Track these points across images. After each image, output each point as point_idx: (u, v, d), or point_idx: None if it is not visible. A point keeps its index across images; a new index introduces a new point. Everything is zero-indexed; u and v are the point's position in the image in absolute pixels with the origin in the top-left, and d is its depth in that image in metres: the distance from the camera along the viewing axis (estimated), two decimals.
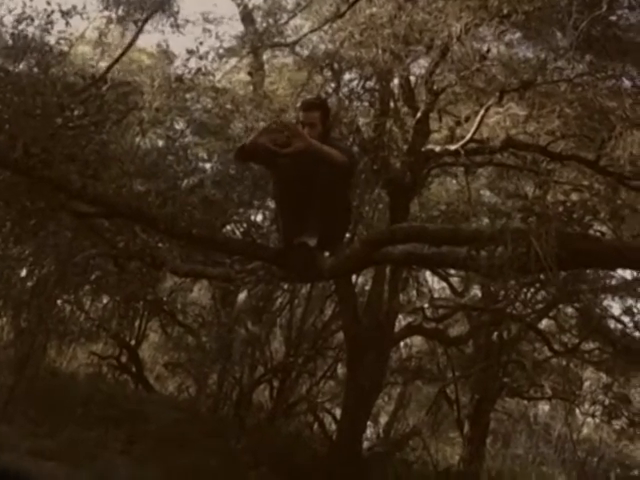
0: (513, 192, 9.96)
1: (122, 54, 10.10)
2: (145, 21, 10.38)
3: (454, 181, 11.93)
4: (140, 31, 10.52)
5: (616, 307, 14.42)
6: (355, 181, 8.29)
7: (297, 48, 9.86)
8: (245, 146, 4.31)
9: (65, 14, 8.76)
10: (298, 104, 4.47)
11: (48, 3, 8.61)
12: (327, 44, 9.41)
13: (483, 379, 11.98)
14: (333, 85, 9.93)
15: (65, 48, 8.92)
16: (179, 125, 10.70)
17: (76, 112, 5.68)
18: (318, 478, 9.28)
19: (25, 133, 4.41)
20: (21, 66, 7.99)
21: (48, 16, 8.61)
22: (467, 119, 9.18)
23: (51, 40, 8.63)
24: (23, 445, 7.41)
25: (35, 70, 7.67)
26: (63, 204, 4.95)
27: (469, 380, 12.37)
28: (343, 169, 4.20)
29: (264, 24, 10.21)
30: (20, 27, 8.51)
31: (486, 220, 10.51)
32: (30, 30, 8.63)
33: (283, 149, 4.05)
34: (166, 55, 11.39)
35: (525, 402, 14.38)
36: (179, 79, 9.84)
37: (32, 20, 8.61)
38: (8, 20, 8.67)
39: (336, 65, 9.54)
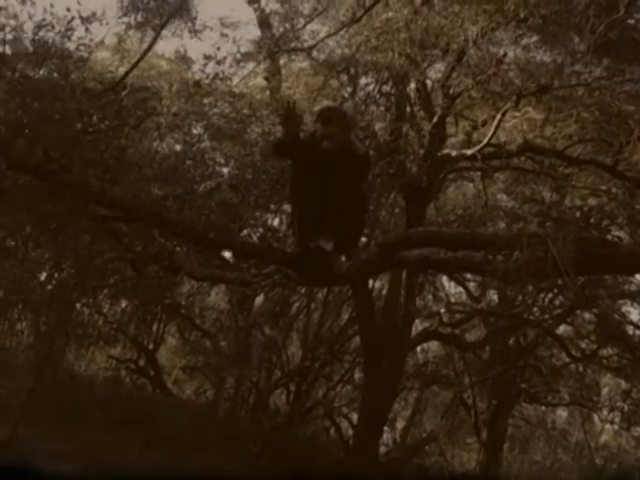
0: (530, 197, 9.91)
1: (140, 59, 10.15)
2: (163, 26, 10.42)
3: (471, 185, 11.89)
4: (158, 36, 10.57)
5: (635, 313, 14.30)
6: (370, 185, 8.30)
7: (314, 53, 9.89)
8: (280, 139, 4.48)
9: (85, 20, 8.82)
10: (315, 111, 4.50)
11: (68, 10, 8.68)
12: (343, 49, 9.44)
13: (500, 384, 11.92)
14: (349, 89, 9.97)
15: (85, 54, 8.97)
16: (196, 130, 10.73)
17: (95, 117, 5.73)
18: None
19: (45, 138, 4.46)
20: (41, 72, 8.06)
21: (68, 22, 8.68)
22: (484, 123, 9.16)
23: (71, 46, 8.68)
24: (41, 448, 7.47)
25: (55, 76, 7.74)
26: (82, 208, 5.00)
27: (486, 385, 12.31)
28: (356, 161, 4.22)
29: (281, 29, 10.26)
30: (40, 33, 8.59)
31: (503, 225, 10.50)
32: (50, 36, 8.70)
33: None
34: (184, 60, 11.46)
35: (543, 408, 14.29)
36: (197, 84, 9.90)
37: (52, 27, 8.67)
38: (29, 26, 8.75)
39: (352, 69, 9.57)
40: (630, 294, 11.33)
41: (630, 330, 11.15)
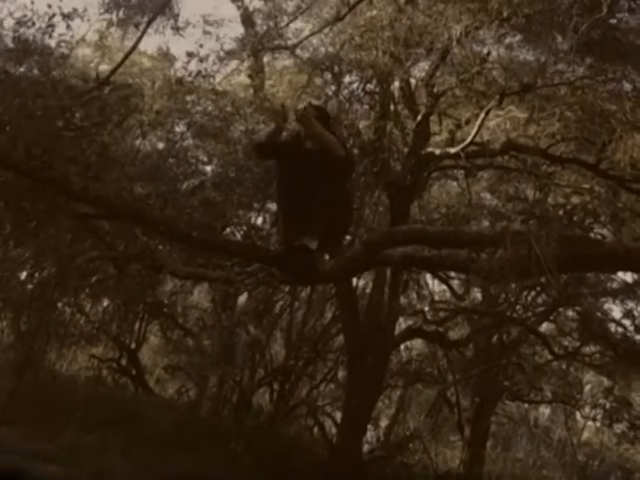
0: (513, 195, 9.95)
1: (125, 58, 10.07)
2: (148, 24, 10.35)
3: (454, 184, 11.92)
4: (143, 34, 10.50)
5: (617, 310, 14.40)
6: (354, 184, 8.29)
7: (297, 51, 9.87)
8: (260, 141, 4.46)
9: (66, 17, 8.74)
10: (297, 110, 4.47)
11: (49, 6, 8.60)
12: (327, 47, 9.42)
13: (483, 382, 11.97)
14: (333, 88, 9.95)
15: (66, 51, 8.89)
16: (179, 128, 10.68)
17: (77, 114, 5.68)
18: None
19: (26, 135, 4.41)
20: (22, 69, 7.98)
21: (49, 19, 8.60)
22: (467, 122, 9.18)
23: (52, 43, 8.61)
24: (23, 448, 7.40)
25: (36, 73, 7.67)
26: (64, 205, 4.95)
27: (469, 383, 12.36)
28: (339, 160, 4.20)
29: (265, 27, 10.22)
30: (21, 30, 8.50)
31: (487, 223, 10.53)
32: (31, 33, 8.62)
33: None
34: (166, 58, 11.39)
35: (526, 405, 14.37)
36: (179, 82, 9.84)
37: (33, 23, 8.59)
38: (9, 23, 8.66)
39: (336, 68, 9.55)
40: (612, 292, 11.40)
41: (612, 328, 11.24)
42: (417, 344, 13.91)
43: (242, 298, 11.43)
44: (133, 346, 13.00)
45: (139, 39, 10.42)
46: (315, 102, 4.87)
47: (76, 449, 7.75)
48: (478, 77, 8.46)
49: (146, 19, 10.24)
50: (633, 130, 7.77)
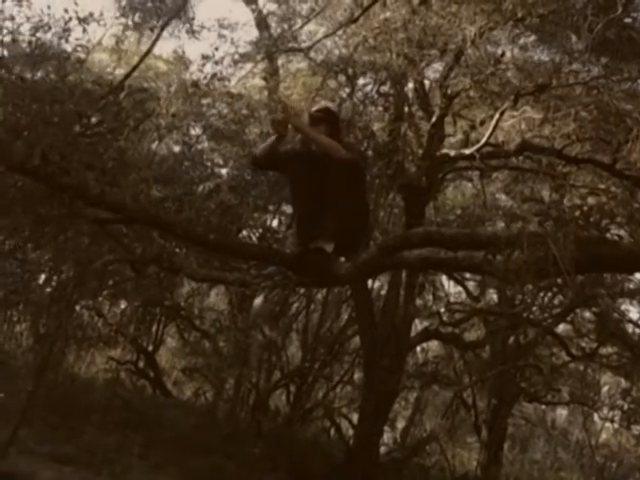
0: (529, 196, 9.90)
1: (140, 61, 10.16)
2: (162, 28, 10.42)
3: (469, 185, 11.91)
4: (158, 38, 10.58)
5: (634, 311, 14.32)
6: (368, 186, 8.30)
7: (311, 53, 9.89)
8: (256, 154, 4.48)
9: (82, 21, 8.81)
10: (308, 112, 4.49)
11: (65, 11, 8.68)
12: (341, 49, 9.44)
13: (500, 384, 11.93)
14: (347, 90, 9.96)
15: (82, 55, 8.95)
16: (195, 131, 10.75)
17: (94, 119, 5.72)
18: None
19: (43, 140, 4.44)
20: (39, 74, 8.06)
21: (65, 23, 8.68)
22: (482, 123, 9.16)
23: (68, 48, 8.68)
24: (42, 449, 7.47)
25: (53, 78, 7.73)
26: (81, 210, 4.98)
27: (486, 385, 12.32)
28: (345, 163, 4.19)
29: (279, 30, 10.28)
30: (38, 35, 8.58)
31: (502, 224, 10.49)
32: (47, 38, 8.71)
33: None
34: (182, 61, 11.45)
35: (543, 407, 14.30)
36: (195, 85, 9.89)
37: (49, 28, 8.68)
38: (26, 28, 8.74)
39: (350, 70, 9.56)
40: (630, 292, 11.34)
41: (630, 328, 11.15)
42: (433, 346, 13.90)
43: (258, 300, 11.46)
44: (151, 348, 13.08)
45: (154, 43, 10.51)
46: (323, 103, 4.87)
47: (94, 450, 7.81)
48: (492, 78, 8.44)
49: (161, 23, 10.32)
50: None
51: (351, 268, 4.39)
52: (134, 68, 9.74)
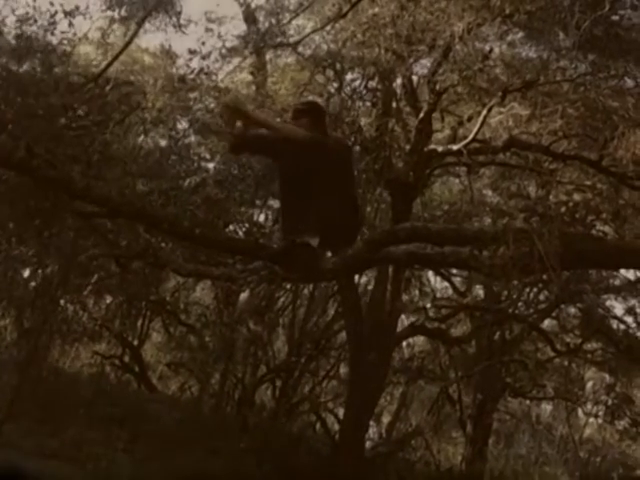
0: (516, 192, 9.94)
1: (121, 51, 10.12)
2: (144, 18, 10.37)
3: (457, 181, 11.92)
4: (140, 28, 10.53)
5: (619, 307, 14.39)
6: (357, 180, 8.29)
7: (299, 48, 9.87)
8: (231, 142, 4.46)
9: (68, 14, 8.75)
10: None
11: (51, 3, 8.62)
12: (329, 44, 9.42)
13: (486, 379, 11.98)
14: (335, 85, 9.94)
15: (68, 48, 8.90)
16: (182, 125, 10.71)
17: (79, 112, 5.69)
18: (321, 478, 9.28)
19: (28, 133, 4.42)
20: (24, 66, 8.00)
21: (51, 16, 8.62)
22: (470, 119, 9.18)
23: (54, 40, 8.63)
24: (27, 444, 7.43)
25: (38, 70, 7.68)
26: (66, 204, 4.95)
27: (472, 380, 12.37)
28: (308, 143, 4.16)
29: (267, 24, 10.24)
30: (23, 27, 8.52)
31: (489, 220, 10.53)
32: (33, 30, 8.64)
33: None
34: (169, 55, 11.40)
35: (528, 402, 14.38)
36: (182, 79, 9.85)
37: (35, 20, 8.61)
38: (11, 20, 8.67)
39: (338, 65, 9.55)
40: (614, 289, 11.40)
41: (614, 324, 11.24)
42: (419, 341, 13.94)
43: (244, 295, 11.45)
44: (136, 343, 13.03)
45: (136, 32, 10.46)
46: (310, 98, 4.85)
47: (79, 445, 7.78)
48: (480, 74, 8.45)
49: (143, 14, 10.28)
50: (635, 127, 7.75)
51: (337, 263, 4.39)
52: (115, 57, 9.69)
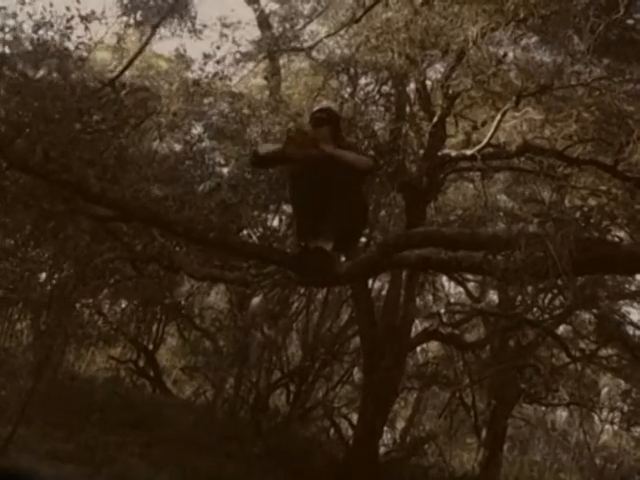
0: (530, 197, 9.90)
1: (136, 55, 10.18)
2: (159, 23, 10.44)
3: (470, 186, 11.89)
4: (154, 32, 10.59)
5: (634, 313, 14.32)
6: (369, 185, 8.30)
7: (313, 53, 9.90)
8: (258, 154, 4.45)
9: (84, 19, 8.82)
10: (308, 114, 4.48)
11: (67, 8, 8.69)
12: (343, 49, 9.44)
13: (500, 385, 11.91)
14: (349, 89, 9.96)
15: (84, 53, 8.97)
16: (196, 130, 10.75)
17: (95, 117, 5.73)
18: None
19: (45, 138, 4.45)
20: (41, 71, 8.07)
21: (67, 21, 8.69)
22: (483, 124, 9.16)
23: (70, 45, 8.70)
24: (41, 448, 7.46)
25: (54, 75, 7.74)
26: (82, 208, 4.99)
27: (486, 386, 12.30)
28: (366, 172, 4.22)
29: (281, 29, 10.27)
30: (39, 32, 8.60)
31: (503, 225, 10.49)
32: (49, 35, 8.71)
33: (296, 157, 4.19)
34: (183, 60, 11.46)
35: (542, 408, 14.28)
36: (196, 83, 9.90)
37: (51, 25, 8.68)
38: (28, 25, 8.75)
39: (352, 70, 9.57)
40: (630, 294, 11.33)
41: (630, 330, 11.15)
42: (433, 346, 13.89)
43: (257, 299, 11.46)
44: (151, 347, 13.07)
45: (150, 36, 10.52)
46: (325, 103, 4.86)
47: (94, 449, 7.81)
48: (494, 78, 8.43)
49: (158, 19, 10.34)
50: None
51: (351, 267, 4.39)
52: (130, 62, 9.76)
